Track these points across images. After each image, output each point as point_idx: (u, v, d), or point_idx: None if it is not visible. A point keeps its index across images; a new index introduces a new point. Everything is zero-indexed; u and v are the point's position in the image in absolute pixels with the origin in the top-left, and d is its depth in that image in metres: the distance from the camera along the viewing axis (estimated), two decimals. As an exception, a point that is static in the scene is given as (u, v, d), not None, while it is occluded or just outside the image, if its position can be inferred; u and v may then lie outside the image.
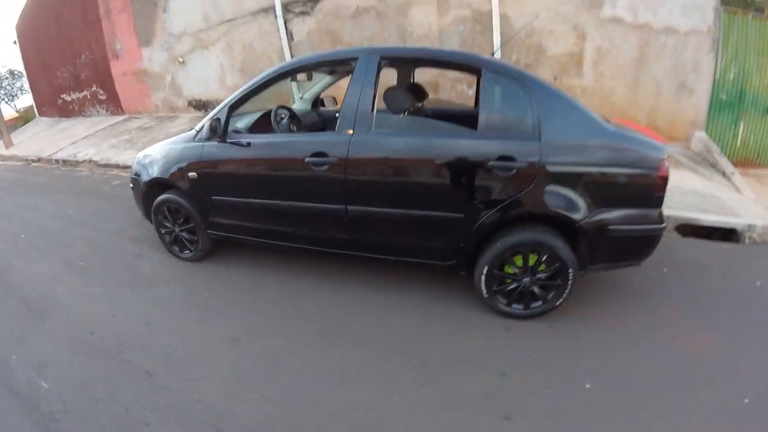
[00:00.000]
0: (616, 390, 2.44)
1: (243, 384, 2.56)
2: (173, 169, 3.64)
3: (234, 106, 3.38)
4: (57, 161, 9.72)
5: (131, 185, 4.19)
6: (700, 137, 7.25)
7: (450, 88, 7.75)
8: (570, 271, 2.79)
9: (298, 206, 3.21)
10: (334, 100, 4.73)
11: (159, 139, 8.74)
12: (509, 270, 2.92)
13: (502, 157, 2.68)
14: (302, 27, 8.75)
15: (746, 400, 2.35)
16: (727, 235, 4.91)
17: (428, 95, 4.23)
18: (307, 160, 3.02)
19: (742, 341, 2.86)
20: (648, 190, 2.73)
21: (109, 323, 3.25)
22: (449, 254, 3.01)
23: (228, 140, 3.34)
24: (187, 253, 3.97)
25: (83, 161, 8.98)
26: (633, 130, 2.94)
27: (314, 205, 3.15)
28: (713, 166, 6.76)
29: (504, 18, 7.23)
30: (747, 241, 4.81)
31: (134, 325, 3.20)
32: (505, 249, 2.83)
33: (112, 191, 6.81)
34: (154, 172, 3.79)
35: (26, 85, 21.68)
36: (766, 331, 2.99)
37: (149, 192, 3.92)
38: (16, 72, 26.63)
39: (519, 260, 2.88)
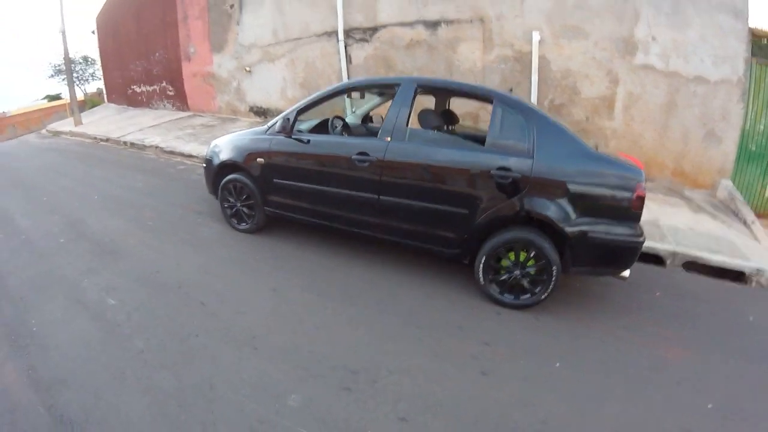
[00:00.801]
0: (583, 373, 2.93)
1: (278, 321, 3.24)
2: (245, 154, 4.46)
3: (301, 111, 4.22)
4: (125, 143, 10.63)
5: (204, 165, 5.00)
6: (725, 185, 7.34)
7: (488, 120, 8.27)
8: (554, 268, 3.39)
9: (342, 193, 3.96)
10: (382, 118, 5.45)
11: (220, 136, 9.54)
12: (504, 263, 3.56)
13: (501, 168, 3.38)
14: (360, 52, 9.51)
15: (710, 406, 2.73)
16: (736, 278, 5.01)
17: (459, 120, 5.01)
18: (353, 157, 3.80)
19: (715, 361, 3.22)
20: (625, 207, 3.31)
21: (172, 268, 3.99)
22: (455, 244, 3.68)
23: (293, 136, 4.16)
24: (243, 225, 4.73)
25: (150, 146, 9.83)
26: (618, 157, 3.58)
27: (354, 193, 3.90)
28: (735, 214, 6.84)
29: (542, 59, 7.79)
30: (754, 284, 4.92)
31: (194, 272, 3.93)
32: (500, 244, 3.49)
33: (177, 173, 7.62)
34: (227, 156, 4.61)
35: (97, 72, 23.40)
36: (743, 358, 3.29)
37: (219, 172, 4.73)
38: (89, 59, 28.70)
39: (512, 255, 3.51)
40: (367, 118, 5.49)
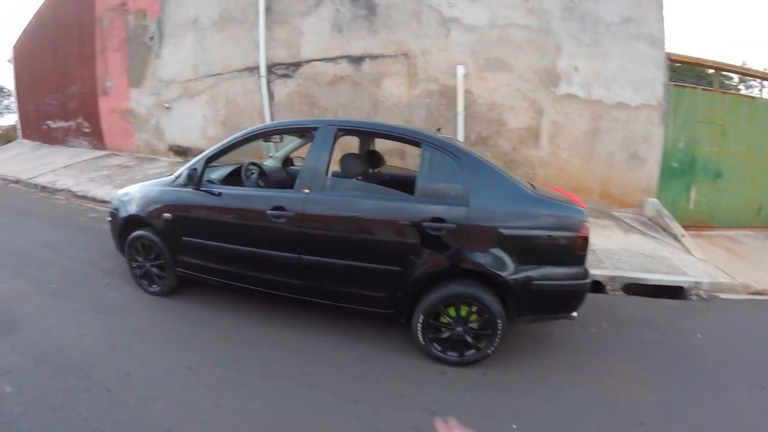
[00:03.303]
0: (542, 430, 2.76)
1: (193, 406, 2.84)
2: (150, 209, 4.03)
3: (210, 159, 3.87)
4: (36, 186, 9.88)
5: (109, 219, 4.52)
6: (652, 203, 7.78)
7: (416, 155, 8.18)
8: (499, 321, 3.17)
9: (259, 253, 3.61)
10: (303, 160, 5.22)
11: (137, 178, 9.04)
12: (443, 320, 3.29)
13: (435, 219, 3.14)
14: (283, 88, 9.27)
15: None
16: (675, 293, 5.25)
17: (384, 162, 4.76)
18: (268, 212, 3.46)
19: (674, 389, 3.22)
20: (569, 249, 3.17)
21: (75, 343, 3.50)
22: (389, 303, 3.41)
23: (202, 188, 3.79)
24: (154, 288, 4.25)
25: (61, 190, 9.15)
26: (557, 196, 3.44)
27: (272, 252, 3.56)
28: (665, 229, 7.23)
29: (468, 93, 7.89)
30: (693, 297, 5.17)
31: (99, 347, 3.45)
32: (439, 300, 3.23)
33: (87, 222, 7.00)
34: (133, 209, 4.17)
35: (13, 105, 22.02)
36: (701, 379, 3.33)
37: (125, 227, 4.26)
38: (5, 90, 26.82)
39: (452, 311, 3.26)
40: (288, 161, 5.21)
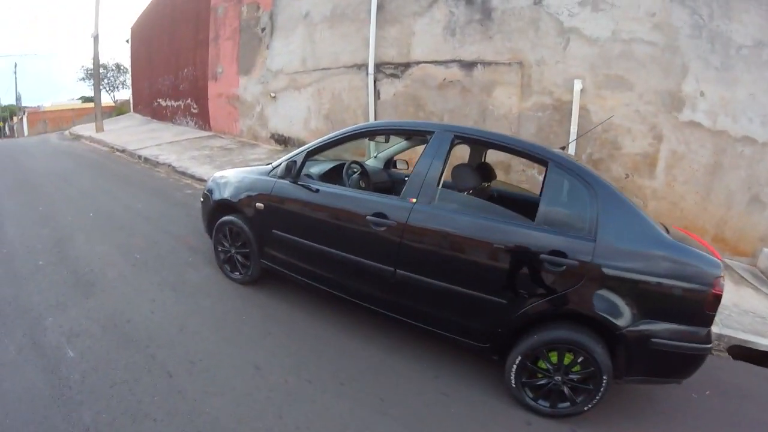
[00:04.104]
0: None
1: (253, 410, 2.61)
2: (242, 196, 3.90)
3: (311, 153, 3.65)
4: (140, 157, 10.42)
5: (202, 199, 4.47)
6: None
7: (521, 171, 7.71)
8: (604, 377, 2.69)
9: (351, 259, 3.31)
10: (407, 164, 4.90)
11: (237, 161, 9.27)
12: (542, 365, 2.84)
13: (554, 252, 2.69)
14: (390, 88, 9.04)
15: None
16: None
17: (496, 176, 4.33)
18: (368, 217, 3.16)
19: None
20: (699, 306, 2.62)
21: (146, 317, 3.45)
22: (485, 337, 2.98)
23: (299, 183, 3.57)
24: (236, 275, 4.12)
25: (163, 164, 9.53)
26: (692, 242, 2.89)
27: (366, 261, 3.24)
28: None
29: (583, 110, 7.23)
30: None
31: (169, 326, 3.36)
32: (542, 343, 2.78)
33: (182, 198, 7.16)
34: (225, 193, 4.06)
35: (128, 81, 23.91)
36: None
37: (216, 210, 4.18)
38: (122, 67, 29.43)
39: (554, 357, 2.80)
40: (390, 163, 4.92)
